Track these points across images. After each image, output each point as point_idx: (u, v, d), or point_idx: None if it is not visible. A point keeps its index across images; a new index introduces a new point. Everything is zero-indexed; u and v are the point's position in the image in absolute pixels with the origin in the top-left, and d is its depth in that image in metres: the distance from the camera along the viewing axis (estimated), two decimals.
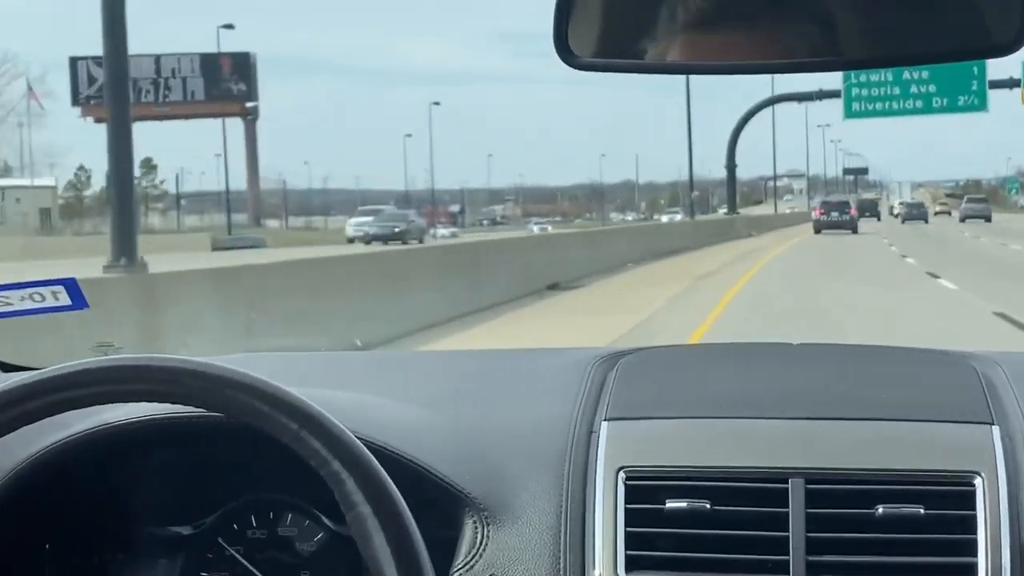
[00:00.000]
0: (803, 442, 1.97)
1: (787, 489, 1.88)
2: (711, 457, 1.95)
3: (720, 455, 1.95)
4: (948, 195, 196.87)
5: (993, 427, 1.99)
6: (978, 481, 1.88)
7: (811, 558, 1.83)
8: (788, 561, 1.83)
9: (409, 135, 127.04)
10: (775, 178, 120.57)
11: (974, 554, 1.82)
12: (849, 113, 70.25)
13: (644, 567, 1.86)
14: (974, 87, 67.46)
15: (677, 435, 2.01)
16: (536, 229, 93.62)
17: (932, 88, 67.94)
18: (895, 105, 68.92)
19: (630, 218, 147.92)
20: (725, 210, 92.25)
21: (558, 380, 2.24)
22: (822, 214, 66.13)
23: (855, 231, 63.76)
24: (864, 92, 68.99)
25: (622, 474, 1.93)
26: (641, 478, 1.93)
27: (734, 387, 2.18)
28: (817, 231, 63.41)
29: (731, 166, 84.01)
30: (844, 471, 1.91)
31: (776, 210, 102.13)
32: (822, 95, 76.45)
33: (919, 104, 68.46)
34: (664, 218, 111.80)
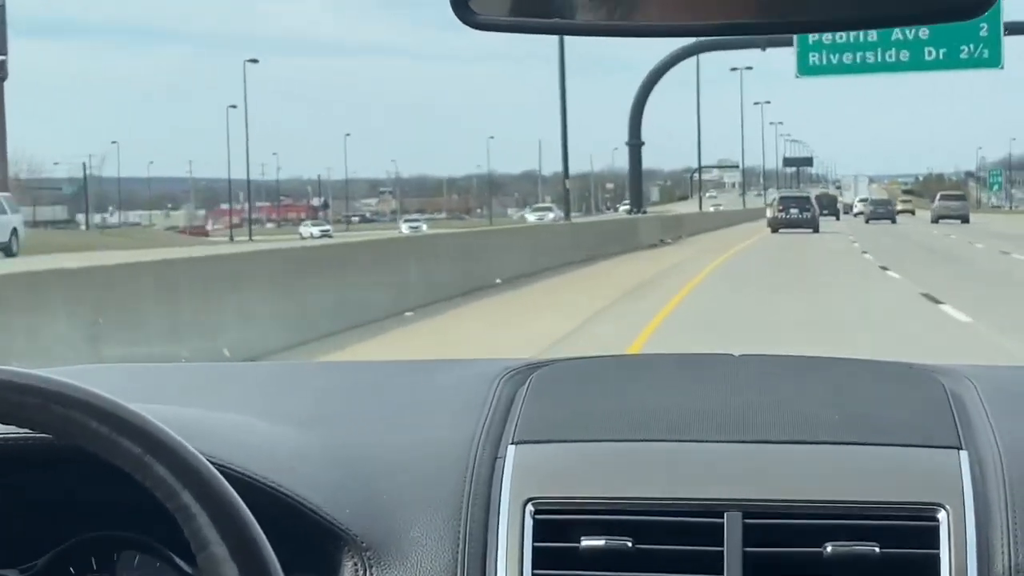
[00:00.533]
0: (741, 470, 1.86)
1: (722, 524, 1.77)
2: (634, 487, 1.83)
3: (645, 485, 1.83)
4: (907, 191, 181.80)
5: (961, 452, 1.88)
6: (942, 515, 1.77)
7: None
8: None
9: (233, 106, 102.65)
10: (699, 170, 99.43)
11: None
12: (804, 68, 52.87)
13: None
14: (983, 32, 48.92)
15: (595, 461, 1.90)
16: (406, 229, 78.29)
17: (924, 34, 49.39)
18: (871, 57, 51.42)
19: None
20: (627, 206, 72.50)
21: (460, 396, 2.09)
22: (781, 211, 61.79)
23: (816, 230, 59.20)
24: (827, 39, 50.35)
25: (530, 507, 1.81)
26: (553, 511, 1.81)
27: (663, 405, 2.03)
28: (775, 229, 59.19)
29: (635, 143, 62.98)
30: (788, 503, 1.79)
31: (701, 207, 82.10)
32: (767, 40, 56.87)
33: (905, 56, 51.03)
34: (531, 216, 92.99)
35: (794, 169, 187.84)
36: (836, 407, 2.00)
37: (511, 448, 1.90)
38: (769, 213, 66.61)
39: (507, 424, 1.96)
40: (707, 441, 1.91)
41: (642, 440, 1.91)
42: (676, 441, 1.90)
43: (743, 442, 1.90)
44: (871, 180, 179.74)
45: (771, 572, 1.73)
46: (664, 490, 1.80)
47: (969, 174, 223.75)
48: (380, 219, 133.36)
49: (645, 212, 63.73)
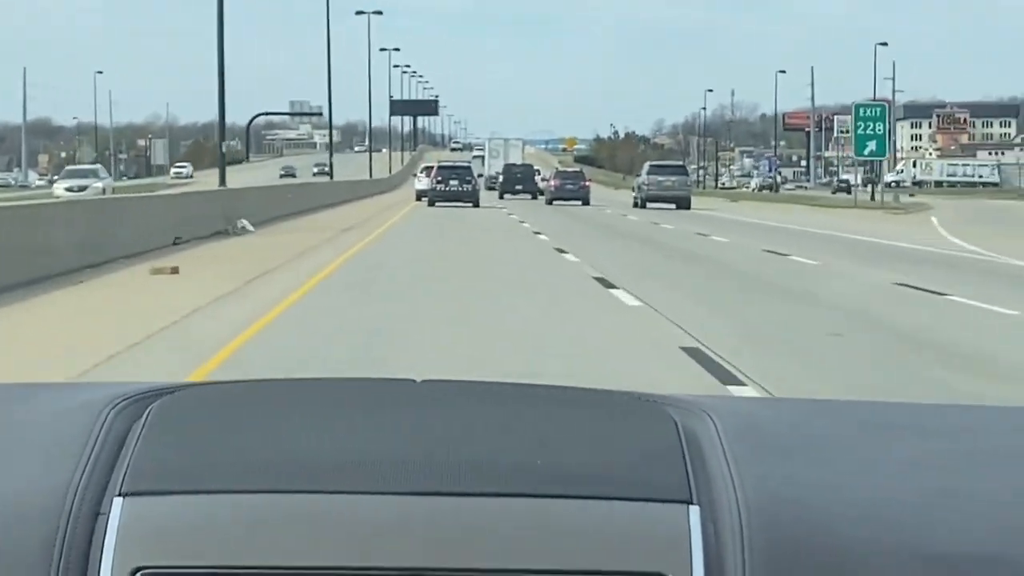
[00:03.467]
0: (412, 530, 1.64)
1: None
2: (273, 552, 1.60)
3: (287, 550, 1.60)
4: (580, 159, 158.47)
5: (690, 507, 1.68)
6: None
7: None
8: None
9: None
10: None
11: None
12: None
13: None
14: None
15: (225, 519, 1.65)
16: None
17: None
18: None
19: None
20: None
21: (53, 432, 1.82)
22: (440, 182, 62.82)
23: (477, 204, 59.78)
24: None
25: None
26: None
27: (315, 446, 1.79)
28: (431, 203, 60.85)
29: None
30: (464, 573, 1.60)
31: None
32: None
33: None
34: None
35: (409, 120, 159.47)
36: (537, 447, 1.78)
37: (117, 501, 1.65)
38: (421, 184, 67.40)
39: (115, 470, 1.70)
40: (368, 493, 1.67)
41: (285, 492, 1.67)
42: (328, 493, 1.67)
43: (416, 494, 1.67)
44: (525, 143, 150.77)
45: None
46: (311, 556, 1.58)
47: (644, 140, 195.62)
48: None
49: None
